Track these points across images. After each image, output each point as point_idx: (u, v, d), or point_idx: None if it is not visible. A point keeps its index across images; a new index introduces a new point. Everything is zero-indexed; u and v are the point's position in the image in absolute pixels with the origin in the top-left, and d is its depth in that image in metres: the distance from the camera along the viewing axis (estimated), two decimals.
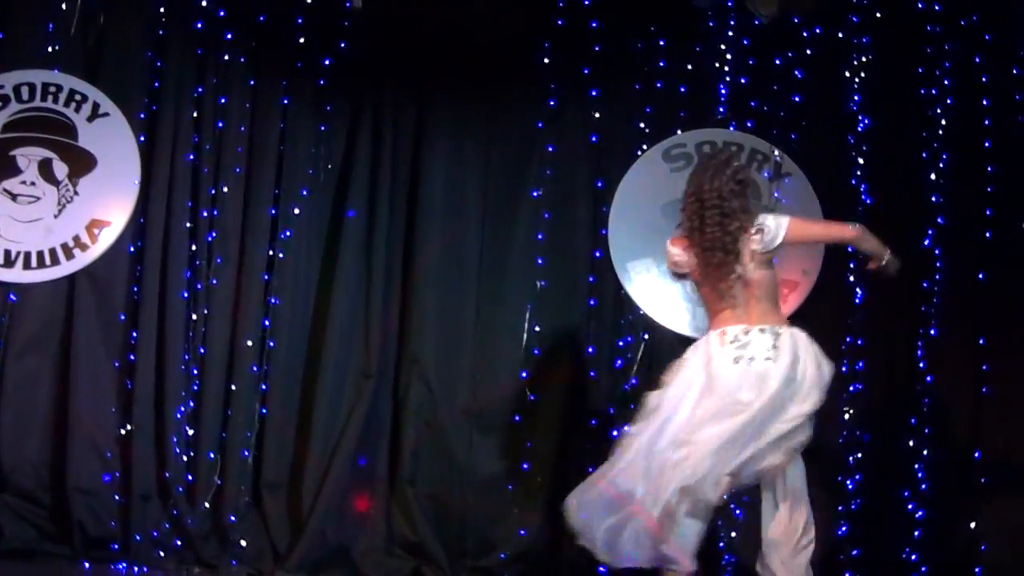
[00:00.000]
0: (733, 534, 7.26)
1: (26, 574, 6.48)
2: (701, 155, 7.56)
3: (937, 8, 7.56)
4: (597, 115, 7.66)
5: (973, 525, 7.24)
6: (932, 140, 7.54)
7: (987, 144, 7.50)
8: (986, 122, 7.51)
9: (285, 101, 7.57)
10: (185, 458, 7.24)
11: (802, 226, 6.28)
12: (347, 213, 7.55)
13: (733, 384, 6.00)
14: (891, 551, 7.24)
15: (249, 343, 7.38)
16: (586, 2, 7.61)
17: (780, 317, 6.21)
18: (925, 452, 7.30)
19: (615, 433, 7.38)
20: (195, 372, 7.31)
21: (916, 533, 7.24)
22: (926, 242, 7.48)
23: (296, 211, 7.52)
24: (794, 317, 7.44)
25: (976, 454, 7.31)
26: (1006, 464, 7.33)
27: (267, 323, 7.43)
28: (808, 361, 6.05)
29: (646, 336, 7.53)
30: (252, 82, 7.54)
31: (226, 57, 7.49)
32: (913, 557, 7.22)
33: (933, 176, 7.52)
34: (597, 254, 7.59)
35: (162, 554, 7.08)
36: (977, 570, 7.19)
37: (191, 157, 7.42)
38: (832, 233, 6.54)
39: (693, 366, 6.16)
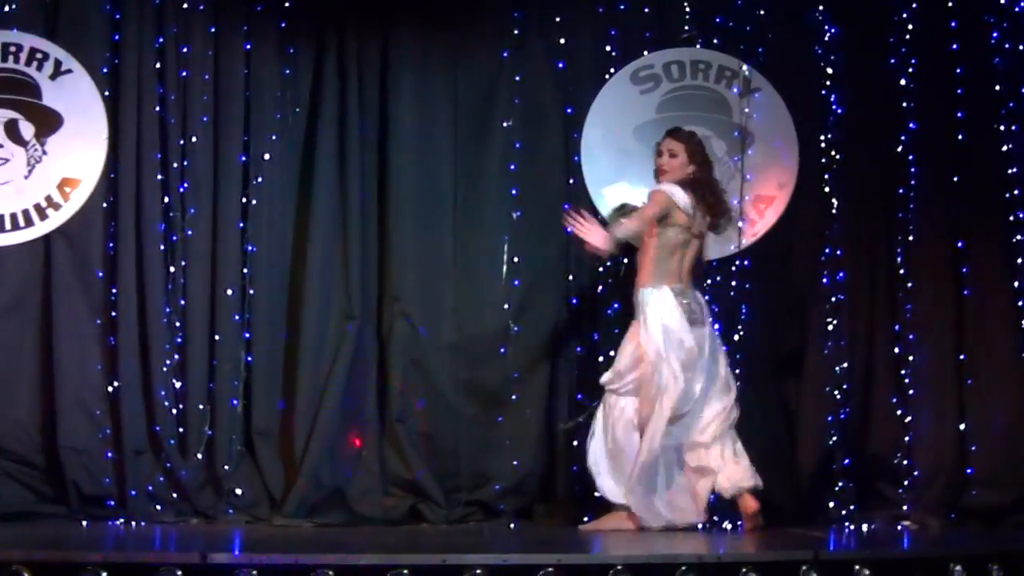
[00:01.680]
0: None
1: (25, 537, 6.45)
2: (668, 75, 7.56)
3: None
4: (563, 41, 7.61)
5: (962, 427, 7.30)
6: (900, 45, 7.52)
7: (954, 46, 7.49)
8: (952, 24, 7.49)
9: (247, 46, 7.50)
10: (174, 411, 7.23)
11: None
12: (317, 154, 7.50)
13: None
14: (882, 458, 7.31)
15: (229, 292, 7.35)
16: None
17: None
18: (911, 357, 7.34)
19: (601, 359, 7.44)
20: (178, 324, 7.29)
21: (906, 438, 7.30)
22: (899, 148, 7.48)
23: (266, 156, 7.47)
24: (771, 232, 7.51)
25: (961, 356, 7.35)
26: (990, 364, 7.38)
27: (246, 271, 7.40)
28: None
29: (624, 260, 7.52)
30: (213, 29, 7.46)
31: (185, 5, 7.41)
32: (905, 462, 7.29)
33: (903, 81, 7.50)
34: (571, 181, 7.57)
35: (159, 507, 7.09)
36: (969, 471, 7.25)
37: (157, 108, 7.36)
38: None
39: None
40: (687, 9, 7.62)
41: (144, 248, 7.29)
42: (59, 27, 7.31)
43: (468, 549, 5.81)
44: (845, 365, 7.39)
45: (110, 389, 7.20)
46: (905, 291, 7.42)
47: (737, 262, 7.50)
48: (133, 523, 6.97)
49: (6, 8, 7.22)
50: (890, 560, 5.86)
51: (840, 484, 7.23)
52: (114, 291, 7.26)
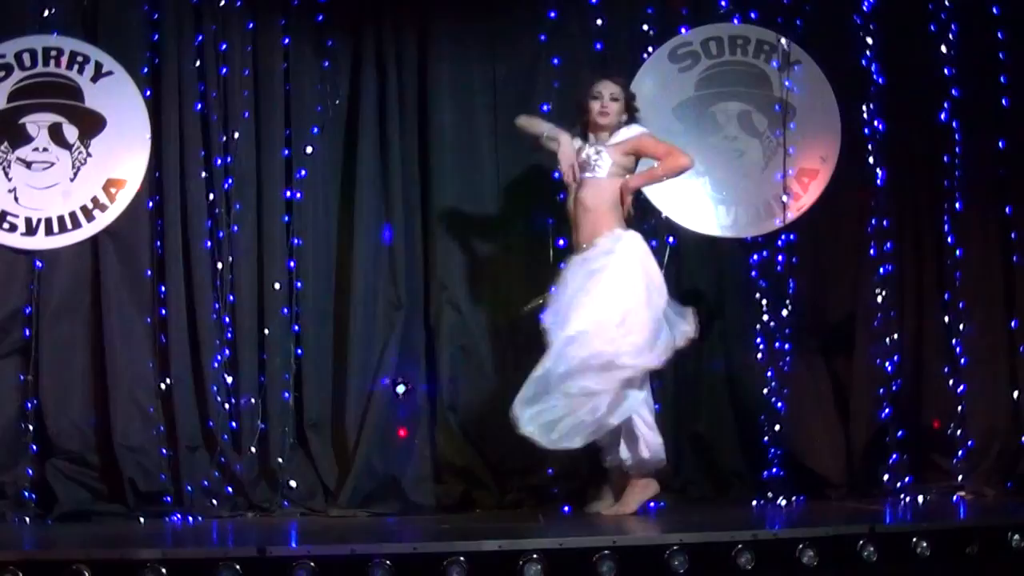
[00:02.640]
0: (777, 427, 7.29)
1: (84, 536, 6.53)
2: (707, 51, 7.54)
3: None
4: (599, 22, 7.60)
5: (1016, 395, 7.25)
6: (939, 11, 7.46)
7: (995, 10, 7.42)
8: None
9: (285, 41, 7.52)
10: (227, 406, 7.27)
11: None
12: (359, 145, 7.53)
13: None
14: (936, 428, 7.27)
15: (277, 286, 7.39)
16: None
17: None
18: (962, 326, 7.29)
19: None
20: (227, 320, 7.33)
21: (959, 408, 7.26)
22: (943, 116, 7.43)
23: (309, 150, 7.50)
24: (816, 205, 7.48)
25: (1012, 323, 7.30)
26: None
27: (292, 264, 7.43)
28: None
29: (671, 240, 7.51)
30: (251, 25, 7.48)
31: (222, 2, 7.43)
32: (959, 433, 7.25)
33: (944, 49, 7.44)
34: None
35: (214, 502, 7.13)
36: (1023, 440, 7.21)
37: (198, 107, 7.39)
38: None
39: None
40: None
41: (191, 245, 7.33)
42: (99, 29, 7.35)
43: (523, 535, 5.84)
44: (895, 336, 7.36)
45: (162, 386, 7.25)
46: (953, 260, 7.38)
47: (783, 236, 7.48)
48: (190, 519, 7.02)
49: (45, 13, 7.26)
50: (947, 531, 5.85)
51: (894, 456, 7.20)
52: (163, 289, 7.30)
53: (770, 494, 7.09)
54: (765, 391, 7.34)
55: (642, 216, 7.52)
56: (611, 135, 6.89)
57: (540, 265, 7.49)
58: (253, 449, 7.27)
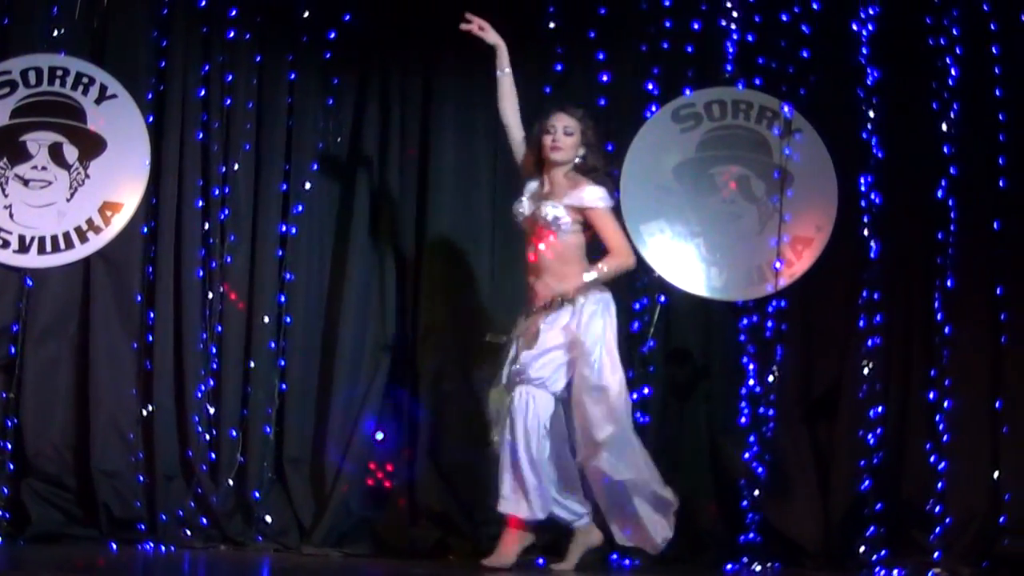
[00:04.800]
0: (756, 492, 7.28)
1: (55, 557, 6.50)
2: (709, 114, 7.57)
3: None
4: (604, 78, 7.63)
5: (996, 475, 7.24)
6: (942, 90, 7.48)
7: (997, 92, 7.45)
8: (996, 70, 7.45)
9: (292, 76, 7.57)
10: (207, 437, 7.27)
11: None
12: (358, 184, 7.55)
13: None
14: (915, 504, 7.25)
15: (266, 319, 7.41)
16: None
17: None
18: (946, 404, 7.29)
19: (635, 397, 7.42)
20: (213, 351, 7.34)
21: (939, 485, 7.24)
22: (939, 193, 7.44)
23: (307, 185, 7.54)
24: (809, 274, 7.49)
25: (997, 404, 7.29)
26: None
27: (283, 299, 7.45)
28: None
29: (662, 298, 7.52)
30: (258, 58, 7.54)
31: (231, 34, 7.48)
32: (937, 509, 7.22)
33: (944, 127, 7.47)
34: None
35: (188, 533, 7.12)
36: (1002, 519, 7.18)
37: (200, 136, 7.43)
38: None
39: None
40: (730, 49, 7.62)
41: (183, 274, 7.35)
42: (106, 52, 7.40)
43: None
44: (879, 409, 7.35)
45: (144, 413, 7.25)
46: (942, 336, 7.36)
47: (774, 302, 7.48)
48: (162, 548, 6.99)
49: (55, 32, 7.31)
50: None
51: (871, 529, 7.18)
52: (151, 316, 7.31)
53: (745, 559, 7.06)
54: (746, 455, 7.33)
55: (635, 273, 7.55)
56: (570, 184, 6.62)
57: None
58: (230, 482, 7.26)
